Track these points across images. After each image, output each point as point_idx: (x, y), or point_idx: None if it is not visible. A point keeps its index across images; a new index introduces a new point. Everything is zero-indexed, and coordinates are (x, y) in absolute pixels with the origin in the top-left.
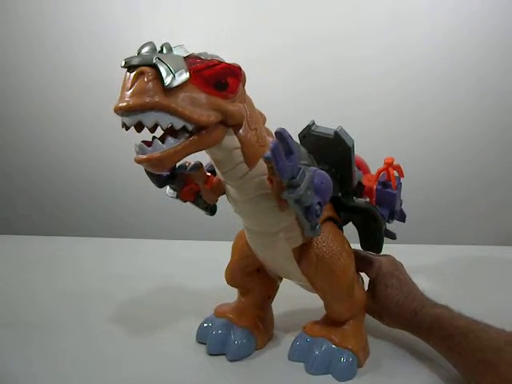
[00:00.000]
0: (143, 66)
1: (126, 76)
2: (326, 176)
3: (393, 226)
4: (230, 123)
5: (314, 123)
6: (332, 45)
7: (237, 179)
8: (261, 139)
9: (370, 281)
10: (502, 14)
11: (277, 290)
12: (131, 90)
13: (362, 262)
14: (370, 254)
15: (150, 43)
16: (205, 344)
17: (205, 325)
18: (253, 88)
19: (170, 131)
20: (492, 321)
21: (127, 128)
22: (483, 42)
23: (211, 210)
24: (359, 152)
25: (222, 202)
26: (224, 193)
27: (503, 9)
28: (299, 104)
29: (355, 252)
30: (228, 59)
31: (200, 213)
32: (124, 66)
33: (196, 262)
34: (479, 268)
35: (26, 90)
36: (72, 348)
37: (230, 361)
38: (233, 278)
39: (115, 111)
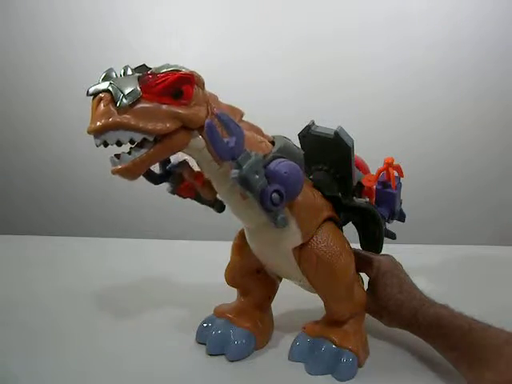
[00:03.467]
0: (101, 93)
1: (92, 102)
2: (295, 167)
3: (393, 226)
4: (191, 126)
5: (313, 123)
6: (331, 45)
7: (214, 174)
8: None
9: (369, 280)
10: (501, 14)
11: (276, 290)
12: (94, 115)
13: (361, 262)
14: (370, 253)
15: (110, 70)
16: (204, 344)
17: (204, 325)
18: (253, 88)
19: (140, 142)
20: (492, 321)
21: (98, 146)
22: (483, 41)
23: (218, 206)
24: (359, 152)
25: None
26: None
27: (503, 9)
28: (299, 104)
29: (355, 252)
30: (228, 59)
31: (200, 213)
32: (87, 95)
33: (196, 262)
34: (479, 268)
35: (25, 90)
36: (72, 348)
37: (230, 361)
38: (233, 278)
39: (88, 133)
